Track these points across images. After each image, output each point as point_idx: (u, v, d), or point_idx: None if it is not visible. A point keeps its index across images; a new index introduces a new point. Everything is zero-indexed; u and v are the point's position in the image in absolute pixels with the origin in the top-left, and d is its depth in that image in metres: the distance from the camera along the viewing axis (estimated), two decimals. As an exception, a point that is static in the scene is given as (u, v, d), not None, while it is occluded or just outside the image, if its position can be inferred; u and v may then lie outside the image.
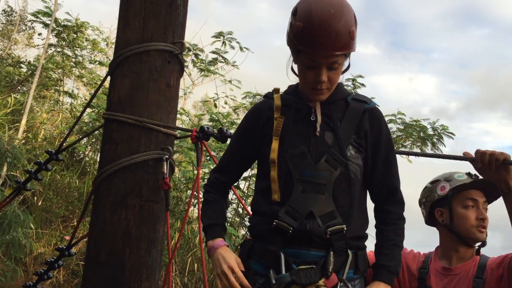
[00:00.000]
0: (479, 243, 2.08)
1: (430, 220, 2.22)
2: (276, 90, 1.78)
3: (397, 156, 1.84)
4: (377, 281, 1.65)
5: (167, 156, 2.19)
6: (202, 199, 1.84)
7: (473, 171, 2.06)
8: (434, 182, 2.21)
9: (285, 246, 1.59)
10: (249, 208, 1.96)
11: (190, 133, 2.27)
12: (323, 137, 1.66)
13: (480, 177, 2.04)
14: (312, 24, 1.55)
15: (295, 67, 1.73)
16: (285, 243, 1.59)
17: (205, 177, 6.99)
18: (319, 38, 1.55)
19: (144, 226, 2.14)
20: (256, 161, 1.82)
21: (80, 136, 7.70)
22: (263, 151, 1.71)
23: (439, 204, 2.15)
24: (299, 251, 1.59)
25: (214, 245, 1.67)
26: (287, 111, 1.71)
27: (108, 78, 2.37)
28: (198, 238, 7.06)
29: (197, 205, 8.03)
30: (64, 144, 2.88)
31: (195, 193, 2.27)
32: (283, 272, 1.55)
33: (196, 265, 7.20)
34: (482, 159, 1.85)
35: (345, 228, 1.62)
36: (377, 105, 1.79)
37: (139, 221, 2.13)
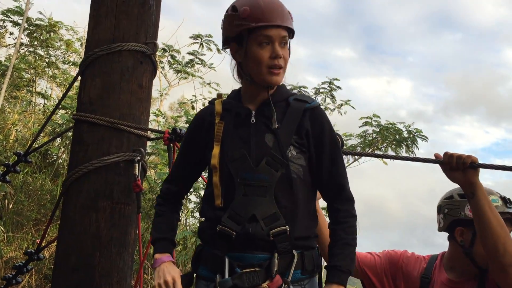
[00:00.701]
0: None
1: (447, 231, 2.08)
2: (219, 96, 1.80)
3: (374, 158, 1.85)
4: (329, 283, 1.62)
5: (139, 158, 2.16)
6: (154, 211, 1.83)
7: (507, 195, 1.99)
8: (464, 198, 1.99)
9: (230, 250, 1.60)
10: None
11: (162, 134, 2.24)
12: (263, 139, 1.66)
13: None
14: (258, 3, 1.64)
15: (244, 65, 1.71)
16: (230, 247, 1.60)
17: None
18: (268, 11, 1.64)
19: (115, 229, 2.11)
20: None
21: (53, 138, 7.54)
22: (208, 155, 1.69)
23: (463, 223, 2.00)
24: (244, 255, 1.60)
25: (160, 259, 1.68)
26: (227, 116, 1.71)
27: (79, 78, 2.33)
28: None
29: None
30: (34, 145, 2.81)
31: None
32: (226, 275, 1.56)
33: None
34: (449, 161, 1.84)
35: (288, 229, 1.61)
36: (320, 104, 1.80)
37: (109, 224, 2.10)
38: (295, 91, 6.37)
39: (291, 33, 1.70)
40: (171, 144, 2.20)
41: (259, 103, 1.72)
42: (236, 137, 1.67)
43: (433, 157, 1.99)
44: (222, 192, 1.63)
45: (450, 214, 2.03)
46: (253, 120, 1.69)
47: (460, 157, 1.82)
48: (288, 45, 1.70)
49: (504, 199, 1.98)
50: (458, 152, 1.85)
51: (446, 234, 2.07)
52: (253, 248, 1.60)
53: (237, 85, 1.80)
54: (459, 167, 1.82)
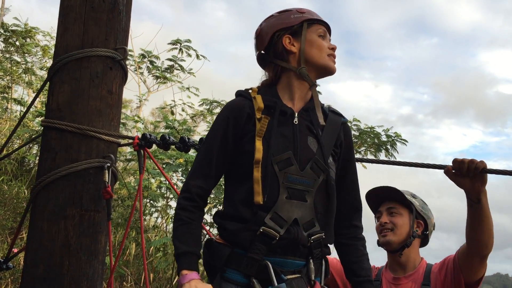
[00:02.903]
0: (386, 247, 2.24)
1: None
2: (254, 91, 1.74)
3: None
4: None
5: (108, 164, 2.14)
6: (176, 217, 1.64)
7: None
8: None
9: (269, 254, 1.55)
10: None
11: (133, 140, 2.23)
12: (307, 143, 1.65)
13: None
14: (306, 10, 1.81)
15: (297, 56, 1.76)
16: (268, 252, 1.55)
17: (146, 186, 6.85)
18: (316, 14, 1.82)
19: (85, 236, 2.08)
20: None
21: (28, 145, 7.43)
22: (246, 149, 1.62)
23: None
24: (286, 260, 1.57)
25: (189, 275, 1.53)
26: (270, 112, 1.66)
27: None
28: (153, 248, 6.93)
29: (148, 216, 7.91)
30: (4, 152, 2.76)
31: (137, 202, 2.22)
32: (275, 282, 1.50)
33: (152, 275, 7.06)
34: (460, 168, 1.81)
35: (324, 236, 1.63)
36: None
37: (79, 231, 2.07)
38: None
39: None
40: (141, 150, 2.18)
41: (301, 104, 1.73)
42: (280, 136, 1.63)
43: (418, 161, 2.09)
44: (262, 189, 1.55)
45: None
46: (296, 121, 1.67)
47: (472, 162, 1.79)
48: None
49: (422, 201, 2.33)
50: (468, 158, 1.83)
51: (435, 239, 2.32)
52: (293, 253, 1.58)
53: (229, 90, 1.78)
54: (470, 173, 1.80)
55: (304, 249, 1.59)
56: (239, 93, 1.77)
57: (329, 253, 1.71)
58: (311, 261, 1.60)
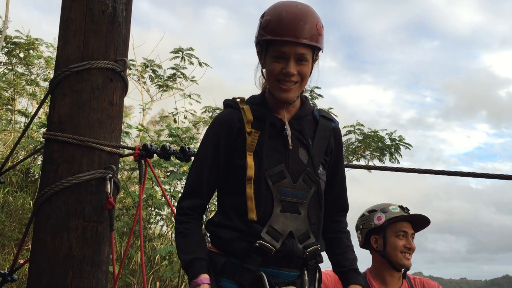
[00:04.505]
0: (404, 268, 2.41)
1: (365, 245, 2.52)
2: (242, 101, 1.71)
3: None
4: (354, 285, 1.70)
5: (110, 175, 2.16)
6: (176, 232, 1.65)
7: (405, 204, 2.44)
8: (371, 212, 2.50)
9: (263, 265, 1.56)
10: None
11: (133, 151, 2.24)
12: (297, 154, 1.65)
13: (409, 210, 2.42)
14: (280, 14, 1.58)
15: (264, 73, 1.68)
16: (263, 263, 1.56)
17: (151, 195, 6.85)
18: (286, 25, 1.56)
19: (88, 247, 2.09)
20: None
21: (33, 157, 7.47)
22: (237, 163, 1.62)
23: (375, 232, 2.45)
24: (280, 272, 1.58)
25: (201, 280, 1.52)
26: (258, 124, 1.64)
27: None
28: (158, 256, 6.93)
29: (153, 224, 7.91)
30: (9, 164, 2.79)
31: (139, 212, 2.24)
32: None
33: (158, 283, 7.06)
34: None
35: (319, 248, 1.65)
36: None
37: (82, 242, 2.09)
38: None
39: (315, 48, 1.62)
40: (142, 161, 2.20)
41: (289, 114, 1.69)
42: (272, 149, 1.62)
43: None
44: (256, 205, 1.57)
45: (364, 228, 2.50)
46: (286, 133, 1.65)
47: None
48: (310, 61, 1.62)
49: (402, 207, 2.46)
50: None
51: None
52: (288, 265, 1.59)
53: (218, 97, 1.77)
54: None
55: (298, 260, 1.61)
56: (227, 103, 1.74)
57: (322, 261, 1.72)
58: (305, 272, 1.62)
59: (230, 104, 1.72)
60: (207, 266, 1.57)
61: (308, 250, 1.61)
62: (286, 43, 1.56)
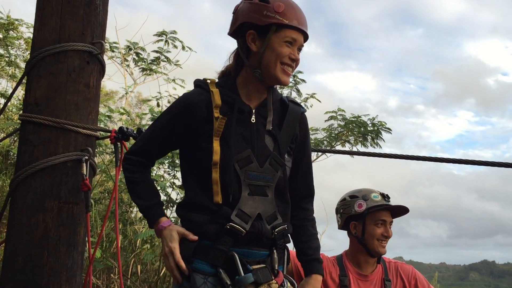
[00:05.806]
0: (379, 255, 2.51)
1: (343, 228, 2.61)
2: (212, 82, 1.74)
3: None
4: (315, 274, 1.78)
5: (86, 157, 2.18)
6: (127, 179, 1.78)
7: (389, 190, 2.48)
8: (353, 198, 2.55)
9: (234, 245, 1.62)
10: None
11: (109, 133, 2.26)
12: (264, 141, 1.70)
13: (390, 198, 2.50)
14: (290, 3, 1.69)
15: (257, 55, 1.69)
16: (234, 243, 1.62)
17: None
18: (299, 14, 1.69)
19: (63, 228, 2.12)
20: (184, 150, 1.77)
21: (13, 139, 7.39)
22: (204, 147, 1.66)
23: (355, 218, 2.51)
24: (250, 251, 1.65)
25: (159, 227, 1.68)
26: (226, 109, 1.68)
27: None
28: (139, 240, 6.96)
29: (135, 208, 7.91)
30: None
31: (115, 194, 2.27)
32: (241, 272, 1.58)
33: (139, 267, 7.10)
34: None
35: (287, 228, 1.71)
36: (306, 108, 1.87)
37: (57, 223, 2.11)
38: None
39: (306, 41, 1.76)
40: (118, 143, 2.22)
41: (258, 101, 1.74)
42: (238, 135, 1.67)
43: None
44: (221, 189, 1.63)
45: (344, 213, 2.54)
46: (253, 120, 1.71)
47: None
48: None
49: (383, 195, 2.49)
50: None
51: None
52: (257, 244, 1.66)
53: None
54: None
55: (267, 240, 1.67)
56: (197, 83, 1.77)
57: (289, 242, 1.79)
58: (274, 251, 1.69)
59: (200, 84, 1.76)
60: (163, 210, 1.73)
61: (276, 230, 1.67)
62: (299, 30, 1.67)
